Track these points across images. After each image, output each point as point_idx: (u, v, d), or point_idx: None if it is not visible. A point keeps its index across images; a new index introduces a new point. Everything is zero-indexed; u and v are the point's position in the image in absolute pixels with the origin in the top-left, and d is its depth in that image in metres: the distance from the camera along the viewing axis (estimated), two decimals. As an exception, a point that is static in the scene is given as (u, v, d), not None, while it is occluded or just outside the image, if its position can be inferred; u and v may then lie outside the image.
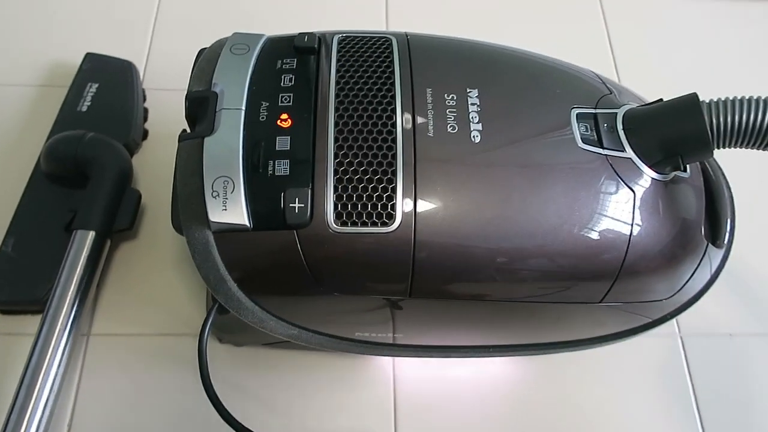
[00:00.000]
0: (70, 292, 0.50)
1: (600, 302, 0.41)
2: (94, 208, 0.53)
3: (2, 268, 0.53)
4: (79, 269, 0.51)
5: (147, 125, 0.64)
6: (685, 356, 0.56)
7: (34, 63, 0.67)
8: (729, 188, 0.48)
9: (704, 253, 0.44)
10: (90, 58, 0.66)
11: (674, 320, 0.57)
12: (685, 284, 0.44)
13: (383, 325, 0.43)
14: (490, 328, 0.46)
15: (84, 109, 0.62)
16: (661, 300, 0.44)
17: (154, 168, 0.61)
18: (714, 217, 0.46)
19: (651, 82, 0.67)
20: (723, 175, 0.49)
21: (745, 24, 0.79)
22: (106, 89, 0.64)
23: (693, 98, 0.38)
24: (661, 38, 0.77)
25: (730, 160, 0.44)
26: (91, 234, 0.52)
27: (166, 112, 0.65)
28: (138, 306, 0.55)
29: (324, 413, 0.51)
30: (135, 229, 0.57)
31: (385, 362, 0.53)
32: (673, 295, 0.44)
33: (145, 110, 0.65)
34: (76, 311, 0.50)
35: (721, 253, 0.47)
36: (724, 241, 0.46)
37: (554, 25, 0.76)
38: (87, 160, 0.56)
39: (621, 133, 0.39)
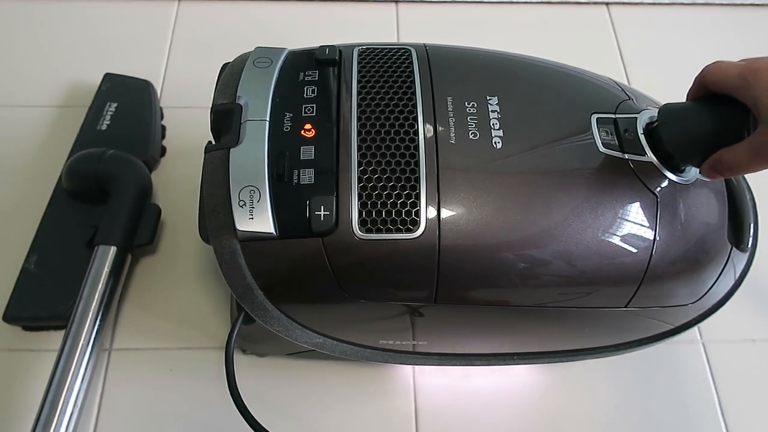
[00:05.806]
0: (92, 307, 0.50)
1: (625, 307, 0.41)
2: (115, 224, 0.54)
3: (25, 285, 0.54)
4: (101, 284, 0.51)
5: (165, 142, 0.65)
6: (708, 363, 0.55)
7: (54, 85, 0.68)
8: (750, 191, 0.48)
9: (728, 258, 0.44)
10: (108, 78, 0.67)
11: (696, 327, 0.57)
12: (709, 289, 0.44)
13: (408, 333, 0.43)
14: (515, 335, 0.45)
15: (104, 128, 0.63)
16: (686, 305, 0.43)
17: (173, 183, 0.62)
18: (737, 221, 0.46)
19: (661, 89, 0.67)
20: (744, 178, 0.49)
21: (752, 30, 0.79)
22: (124, 108, 0.65)
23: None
24: (669, 45, 0.77)
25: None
26: (113, 249, 0.53)
27: (183, 128, 0.66)
28: (158, 320, 0.55)
29: (346, 423, 0.51)
30: (155, 244, 0.58)
31: (407, 372, 0.53)
32: (697, 300, 0.44)
33: (163, 128, 0.66)
34: (98, 326, 0.50)
35: (745, 257, 0.47)
36: (747, 245, 0.46)
37: (564, 35, 0.77)
38: (107, 176, 0.56)
39: (642, 137, 0.39)
